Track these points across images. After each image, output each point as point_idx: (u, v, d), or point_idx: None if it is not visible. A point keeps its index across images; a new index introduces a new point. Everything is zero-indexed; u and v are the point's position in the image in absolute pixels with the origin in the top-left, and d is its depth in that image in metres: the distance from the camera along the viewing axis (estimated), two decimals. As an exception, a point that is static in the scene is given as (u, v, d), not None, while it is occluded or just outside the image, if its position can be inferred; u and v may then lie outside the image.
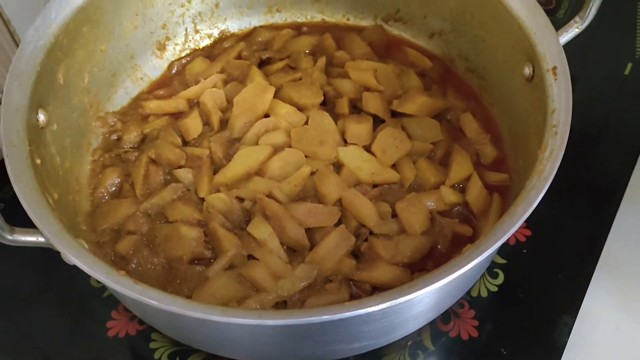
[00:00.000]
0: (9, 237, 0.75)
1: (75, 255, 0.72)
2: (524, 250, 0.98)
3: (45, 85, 0.91)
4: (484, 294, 0.95)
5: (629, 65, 1.19)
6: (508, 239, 0.98)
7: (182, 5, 1.13)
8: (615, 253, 1.00)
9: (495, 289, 0.95)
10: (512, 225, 0.72)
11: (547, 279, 0.96)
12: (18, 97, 0.85)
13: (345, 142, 0.98)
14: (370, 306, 0.66)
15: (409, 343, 0.91)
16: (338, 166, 0.95)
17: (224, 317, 0.66)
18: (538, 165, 0.78)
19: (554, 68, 0.84)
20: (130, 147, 1.04)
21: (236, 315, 0.67)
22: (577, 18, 0.89)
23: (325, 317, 0.66)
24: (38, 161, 0.84)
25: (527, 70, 0.91)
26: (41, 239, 0.75)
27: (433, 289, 0.68)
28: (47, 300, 0.98)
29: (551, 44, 0.87)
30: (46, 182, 0.84)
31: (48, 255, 0.99)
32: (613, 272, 0.98)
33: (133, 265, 0.89)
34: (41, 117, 0.89)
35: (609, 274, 0.98)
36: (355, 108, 1.03)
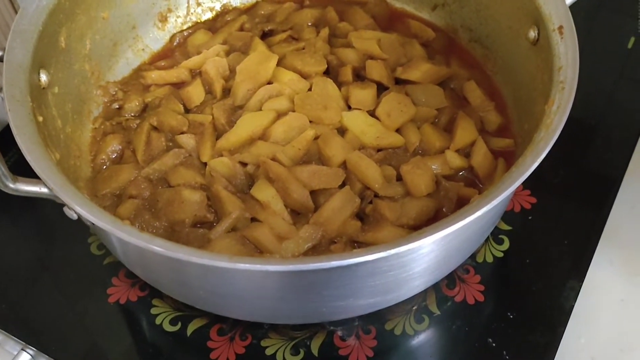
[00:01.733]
0: (11, 186, 0.74)
1: (80, 204, 0.71)
2: (529, 217, 0.98)
3: (47, 46, 0.90)
4: (490, 259, 0.94)
5: (632, 39, 1.19)
6: (513, 206, 0.98)
7: (184, -23, 1.13)
8: (620, 224, 0.99)
9: (500, 254, 0.94)
10: (520, 175, 0.71)
11: (553, 245, 0.95)
12: (20, 54, 0.84)
13: (350, 108, 0.97)
14: (378, 252, 0.66)
15: (414, 308, 0.90)
16: (342, 131, 0.95)
17: (230, 263, 0.65)
18: (545, 119, 0.77)
19: (560, 27, 0.84)
20: (131, 116, 1.03)
21: (243, 262, 0.66)
22: (583, -22, 0.89)
23: (334, 263, 0.65)
24: (40, 119, 0.83)
25: (532, 34, 0.90)
26: (44, 190, 0.74)
27: (441, 236, 0.67)
28: (47, 270, 0.96)
29: (557, 3, 0.86)
30: (48, 141, 0.83)
31: (47, 225, 1.00)
32: (617, 244, 0.98)
33: (135, 229, 0.89)
34: (43, 77, 0.88)
35: (614, 245, 0.97)
36: (359, 77, 1.03)
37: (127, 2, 1.06)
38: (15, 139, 0.75)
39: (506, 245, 0.95)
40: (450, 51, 1.09)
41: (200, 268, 0.71)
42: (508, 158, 0.94)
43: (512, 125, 0.98)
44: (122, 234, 0.68)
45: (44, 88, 0.88)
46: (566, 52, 0.82)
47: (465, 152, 0.95)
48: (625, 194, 1.01)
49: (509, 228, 0.96)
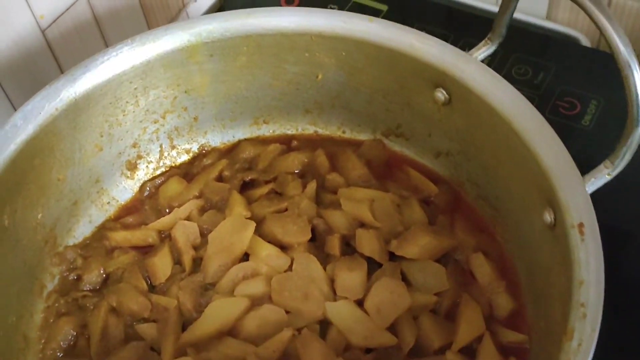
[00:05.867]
0: None
1: None
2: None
3: (-18, 235, 0.78)
4: None
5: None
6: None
7: (156, 122, 1.00)
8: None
9: None
10: None
11: None
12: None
13: (335, 293, 0.84)
14: None
15: None
16: (325, 324, 0.82)
17: None
18: (563, 357, 0.63)
19: (581, 225, 0.70)
20: (89, 289, 0.91)
21: None
22: (607, 163, 0.74)
23: None
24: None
25: (548, 217, 0.76)
26: None
27: None
28: None
29: (576, 193, 0.72)
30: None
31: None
32: None
33: None
34: (-25, 274, 0.77)
35: None
36: (349, 246, 0.90)
37: (88, 157, 0.94)
38: None
39: None
40: (455, 209, 0.95)
41: None
42: (521, 356, 0.79)
43: (525, 312, 0.84)
44: None
45: (-24, 286, 0.77)
46: (587, 262, 0.68)
47: (470, 348, 0.81)
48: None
49: None
